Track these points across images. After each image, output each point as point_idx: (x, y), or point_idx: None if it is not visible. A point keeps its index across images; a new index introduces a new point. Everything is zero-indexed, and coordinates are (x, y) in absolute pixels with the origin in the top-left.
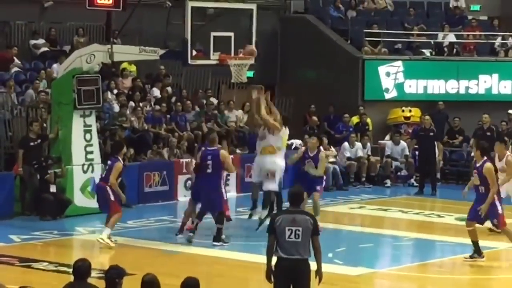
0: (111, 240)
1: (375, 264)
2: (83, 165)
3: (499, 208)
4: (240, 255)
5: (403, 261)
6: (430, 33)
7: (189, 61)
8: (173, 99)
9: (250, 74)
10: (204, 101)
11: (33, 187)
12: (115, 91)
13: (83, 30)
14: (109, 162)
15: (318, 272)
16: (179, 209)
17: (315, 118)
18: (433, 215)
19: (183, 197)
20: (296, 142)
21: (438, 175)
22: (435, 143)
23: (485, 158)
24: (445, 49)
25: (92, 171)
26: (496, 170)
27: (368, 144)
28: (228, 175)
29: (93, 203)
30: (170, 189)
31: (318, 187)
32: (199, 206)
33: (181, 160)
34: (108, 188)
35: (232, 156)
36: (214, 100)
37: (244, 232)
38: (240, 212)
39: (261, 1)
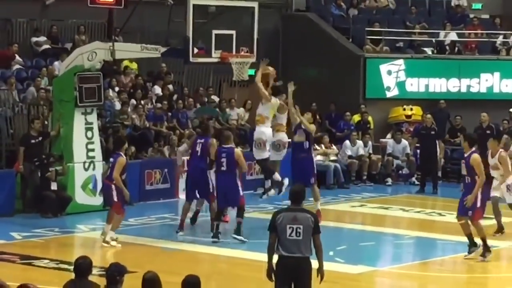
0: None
1: (376, 262)
2: (84, 162)
3: (479, 201)
4: (241, 253)
5: (404, 260)
6: (431, 31)
7: (191, 59)
8: (175, 97)
9: (252, 72)
10: (206, 99)
11: (33, 184)
12: (117, 89)
13: (85, 28)
14: (111, 159)
15: (320, 270)
16: (180, 207)
17: (316, 116)
18: (434, 214)
19: (184, 195)
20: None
21: (440, 174)
22: (437, 141)
23: (473, 149)
24: (447, 47)
25: (94, 168)
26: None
27: (370, 143)
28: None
29: (94, 201)
30: (171, 187)
31: (312, 179)
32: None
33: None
34: (113, 186)
35: None
36: (215, 98)
37: (245, 230)
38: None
39: None
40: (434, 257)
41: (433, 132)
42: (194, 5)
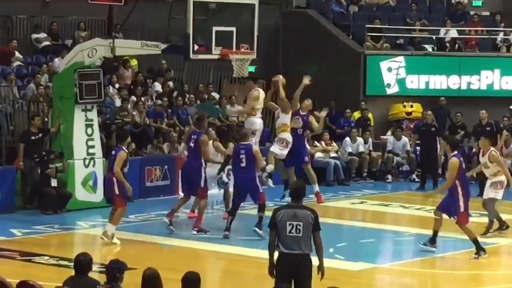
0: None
1: (376, 259)
2: (84, 159)
3: (462, 205)
4: (241, 250)
5: (404, 257)
6: (432, 28)
7: (191, 56)
8: (175, 93)
9: (252, 69)
10: (206, 96)
11: (34, 181)
12: (117, 86)
13: (85, 25)
14: (113, 152)
15: (320, 268)
16: None
17: (316, 113)
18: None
19: None
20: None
21: (440, 171)
22: (437, 138)
23: (455, 152)
24: (447, 44)
25: (94, 165)
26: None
27: (370, 140)
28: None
29: (94, 197)
30: (171, 184)
31: (306, 158)
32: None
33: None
34: (114, 180)
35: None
36: (215, 95)
37: (245, 227)
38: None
39: None
40: (434, 254)
41: (433, 129)
42: (194, 2)
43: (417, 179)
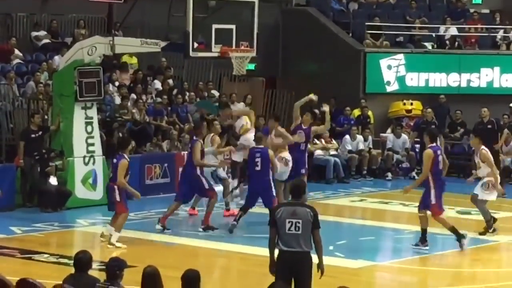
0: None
1: (376, 257)
2: (84, 157)
3: (433, 198)
4: (241, 247)
5: (404, 254)
6: (432, 26)
7: (191, 54)
8: (175, 91)
9: (252, 66)
10: (206, 94)
11: (33, 179)
12: (117, 83)
13: (85, 22)
14: (114, 160)
15: (320, 266)
16: None
17: (316, 111)
18: None
19: None
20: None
21: None
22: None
23: (433, 144)
24: (447, 42)
25: (93, 163)
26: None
27: (370, 137)
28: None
29: (94, 195)
30: (171, 182)
31: (303, 170)
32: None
33: (182, 152)
34: (115, 188)
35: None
36: (215, 93)
37: (245, 225)
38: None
39: None
40: (434, 252)
41: (433, 127)
42: (194, 0)
43: (416, 177)
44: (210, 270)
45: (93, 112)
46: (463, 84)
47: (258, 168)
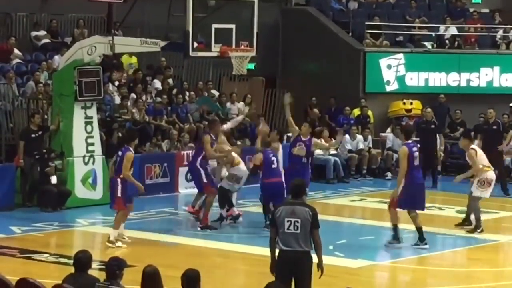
0: (121, 239)
1: (376, 256)
2: (84, 156)
3: (399, 192)
4: (241, 247)
5: (403, 254)
6: (431, 25)
7: (191, 53)
8: (174, 91)
9: (252, 66)
10: (206, 93)
11: (33, 178)
12: (116, 83)
13: (84, 22)
14: (119, 152)
15: (319, 265)
16: (180, 201)
17: (316, 110)
18: (434, 208)
19: (184, 189)
20: None
21: (439, 168)
22: (437, 135)
23: (408, 141)
24: (447, 41)
25: (93, 162)
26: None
27: (369, 137)
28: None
29: (93, 195)
30: (171, 181)
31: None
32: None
33: (182, 152)
34: (119, 181)
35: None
36: (215, 92)
37: (245, 225)
38: (240, 204)
39: None
40: (433, 252)
41: (433, 126)
42: None
43: None
44: (210, 269)
45: (92, 112)
46: (463, 83)
47: (274, 166)
